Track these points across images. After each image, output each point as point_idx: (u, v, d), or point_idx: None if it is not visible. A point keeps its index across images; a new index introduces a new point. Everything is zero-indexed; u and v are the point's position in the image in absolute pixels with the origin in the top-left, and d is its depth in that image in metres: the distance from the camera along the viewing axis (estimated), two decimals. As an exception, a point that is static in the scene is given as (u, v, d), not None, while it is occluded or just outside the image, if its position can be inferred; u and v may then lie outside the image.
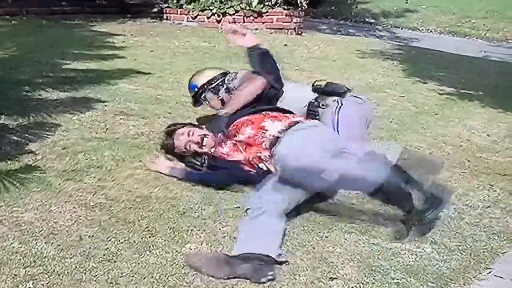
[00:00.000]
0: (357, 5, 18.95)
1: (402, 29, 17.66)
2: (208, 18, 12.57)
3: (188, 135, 4.95)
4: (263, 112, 4.86)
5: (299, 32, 13.09)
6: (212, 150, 4.86)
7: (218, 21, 12.47)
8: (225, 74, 5.51)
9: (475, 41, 16.56)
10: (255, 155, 4.65)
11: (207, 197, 4.56)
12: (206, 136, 4.91)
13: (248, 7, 12.55)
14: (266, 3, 12.76)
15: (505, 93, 9.19)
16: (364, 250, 4.00)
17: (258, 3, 12.76)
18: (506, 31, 16.99)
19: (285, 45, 11.09)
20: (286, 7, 12.96)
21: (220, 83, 5.42)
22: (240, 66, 8.93)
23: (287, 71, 8.88)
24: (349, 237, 4.16)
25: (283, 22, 12.84)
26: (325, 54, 10.72)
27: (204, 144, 4.89)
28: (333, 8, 18.61)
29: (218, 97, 5.41)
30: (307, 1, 13.02)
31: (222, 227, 4.11)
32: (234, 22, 12.30)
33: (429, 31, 17.52)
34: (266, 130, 4.65)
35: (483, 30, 17.14)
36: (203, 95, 5.49)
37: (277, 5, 12.81)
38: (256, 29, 12.36)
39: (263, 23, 12.64)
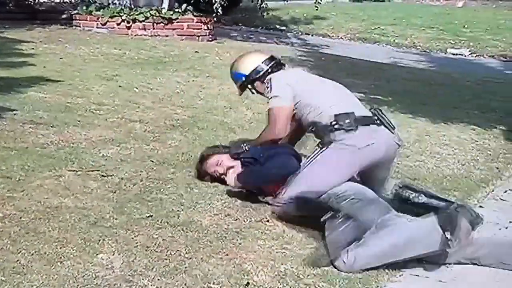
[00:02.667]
0: (268, 12, 19.09)
1: (312, 36, 17.90)
2: (118, 24, 12.49)
3: (216, 164, 5.11)
4: None
5: (210, 39, 13.14)
6: None
7: (128, 28, 12.41)
8: (271, 59, 5.28)
9: (384, 47, 16.93)
10: None
11: (119, 206, 4.54)
12: (231, 167, 5.03)
13: (158, 14, 12.52)
14: (177, 10, 12.76)
15: (413, 98, 9.43)
16: (277, 256, 4.06)
17: (168, 10, 12.76)
18: (414, 37, 17.45)
19: (196, 52, 11.11)
20: (197, 14, 12.99)
21: (268, 71, 5.18)
22: (151, 73, 8.97)
23: (198, 78, 8.95)
24: (262, 244, 4.21)
25: (194, 29, 12.87)
26: (236, 61, 10.77)
27: (227, 174, 5.05)
28: (244, 15, 18.72)
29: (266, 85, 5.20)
30: (221, 7, 13.03)
31: (134, 237, 4.10)
32: (144, 29, 12.29)
33: (339, 37, 17.82)
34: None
35: (392, 37, 17.54)
36: (251, 84, 5.29)
37: (188, 12, 12.81)
38: (167, 36, 12.36)
39: (174, 30, 12.64)
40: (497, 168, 6.37)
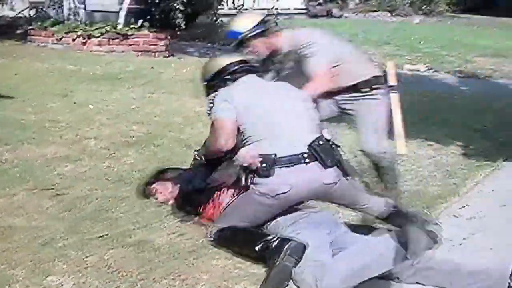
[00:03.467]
0: (224, 28, 19.09)
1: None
2: (73, 40, 12.39)
3: (155, 193, 5.10)
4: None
5: (167, 55, 13.08)
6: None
7: (84, 44, 12.31)
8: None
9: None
10: None
11: (73, 226, 4.47)
12: (170, 199, 5.02)
13: (114, 30, 12.43)
14: (132, 26, 12.69)
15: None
16: (231, 276, 4.01)
17: (124, 26, 12.69)
18: (370, 53, 17.57)
19: (152, 67, 11.05)
20: (153, 30, 12.93)
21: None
22: (107, 89, 8.89)
23: (154, 94, 8.89)
24: (216, 263, 4.16)
25: (150, 45, 12.81)
26: (193, 76, 10.64)
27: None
28: (201, 30, 18.65)
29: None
30: (183, 22, 13.00)
31: (86, 257, 4.03)
32: (100, 45, 12.20)
33: (296, 54, 17.89)
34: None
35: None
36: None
37: (144, 27, 12.75)
38: (123, 52, 12.28)
39: (130, 45, 12.57)
40: (454, 184, 6.40)
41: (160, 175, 5.24)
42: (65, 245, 4.16)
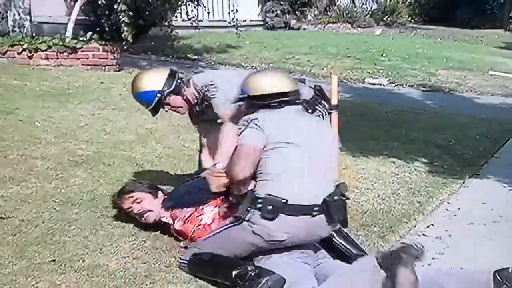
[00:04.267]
0: (178, 40, 19.06)
1: (225, 65, 17.92)
2: (19, 54, 12.24)
3: (134, 201, 5.04)
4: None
5: (117, 69, 13.03)
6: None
7: (30, 57, 12.19)
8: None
9: (300, 77, 17.06)
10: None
11: (19, 251, 4.43)
12: (149, 211, 5.01)
13: (61, 43, 12.35)
14: (81, 38, 12.62)
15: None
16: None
17: (72, 38, 12.61)
18: (330, 67, 17.70)
19: (102, 82, 10.99)
20: (102, 43, 12.87)
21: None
22: (54, 105, 8.82)
23: (103, 110, 8.84)
24: (173, 288, 4.16)
25: (100, 58, 12.73)
26: (145, 92, 10.69)
27: (143, 217, 5.02)
28: (153, 43, 18.62)
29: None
30: (130, 35, 12.95)
31: (36, 283, 4.01)
32: (47, 59, 12.11)
33: (253, 67, 17.88)
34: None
35: (308, 66, 17.72)
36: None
37: (93, 40, 12.69)
38: (71, 66, 12.20)
39: (78, 59, 12.47)
40: (419, 202, 6.47)
41: (137, 186, 5.22)
42: (13, 271, 4.12)
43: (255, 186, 4.30)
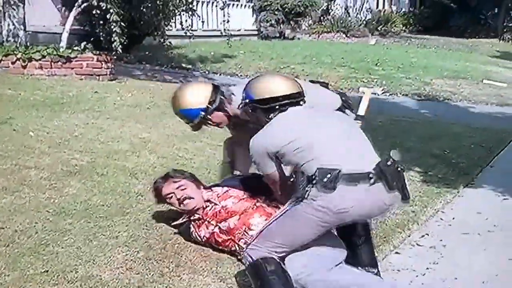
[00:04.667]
0: (173, 50, 19.08)
1: (220, 75, 17.95)
2: (13, 63, 12.22)
3: (178, 187, 5.09)
4: (257, 199, 4.98)
5: (111, 79, 13.01)
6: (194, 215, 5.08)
7: (24, 67, 12.16)
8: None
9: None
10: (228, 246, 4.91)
11: (12, 262, 4.41)
12: (191, 198, 5.05)
13: (55, 52, 12.34)
14: (75, 48, 12.61)
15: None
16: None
17: (66, 48, 12.60)
18: (324, 76, 17.72)
19: (96, 92, 10.97)
20: (97, 52, 12.86)
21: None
22: (48, 115, 8.80)
23: (97, 120, 8.82)
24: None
25: (94, 68, 12.71)
26: (138, 101, 10.70)
27: (184, 203, 5.06)
28: (148, 53, 18.64)
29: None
30: (121, 45, 12.93)
31: (28, 295, 3.98)
32: (41, 68, 12.09)
33: (247, 76, 17.86)
34: (251, 230, 4.79)
35: (303, 75, 17.75)
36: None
37: (87, 50, 12.68)
38: (65, 76, 12.18)
39: (72, 69, 12.45)
40: (413, 211, 6.46)
41: (182, 174, 5.31)
42: (6, 282, 4.10)
43: (302, 173, 4.25)
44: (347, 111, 5.11)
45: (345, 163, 4.18)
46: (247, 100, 4.65)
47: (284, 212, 4.33)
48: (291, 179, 4.39)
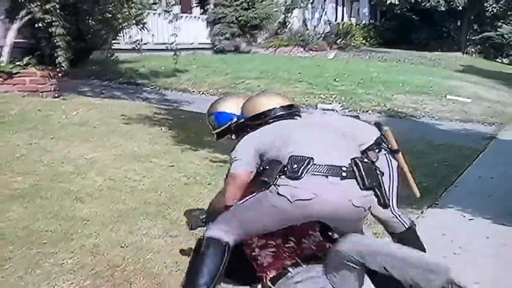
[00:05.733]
0: (122, 64, 19.01)
1: (171, 90, 17.90)
2: (-49, 79, 12.07)
3: None
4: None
5: (56, 95, 12.89)
6: None
7: (-37, 83, 12.01)
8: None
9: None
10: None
11: None
12: None
13: (-4, 67, 12.20)
14: (18, 63, 12.48)
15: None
16: None
17: (8, 63, 12.46)
18: (281, 92, 17.77)
19: (39, 110, 10.85)
20: (40, 67, 12.73)
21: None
22: (18, 136, 8.68)
23: (41, 140, 8.72)
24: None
25: (38, 84, 12.58)
26: (85, 119, 10.61)
27: None
28: (95, 67, 18.53)
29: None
30: (66, 61, 12.81)
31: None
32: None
33: (201, 93, 17.89)
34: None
35: (258, 91, 17.81)
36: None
37: (30, 65, 12.54)
38: (6, 92, 12.04)
39: (14, 85, 12.31)
40: (375, 233, 6.44)
41: None
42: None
43: (278, 161, 4.27)
44: (384, 144, 5.35)
45: (319, 154, 4.20)
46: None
47: (250, 198, 4.38)
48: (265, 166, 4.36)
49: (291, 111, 4.81)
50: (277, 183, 4.16)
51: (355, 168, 4.19)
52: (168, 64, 19.57)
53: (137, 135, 9.82)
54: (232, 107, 5.06)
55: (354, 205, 4.18)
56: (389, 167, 5.32)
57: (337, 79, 19.38)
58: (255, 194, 4.36)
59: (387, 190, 4.87)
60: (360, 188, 4.17)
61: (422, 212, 7.42)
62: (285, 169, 4.16)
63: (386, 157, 5.32)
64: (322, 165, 4.15)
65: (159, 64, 20.19)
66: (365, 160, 4.34)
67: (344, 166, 4.17)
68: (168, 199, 6.83)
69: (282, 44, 29.21)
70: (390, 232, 5.43)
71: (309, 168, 4.13)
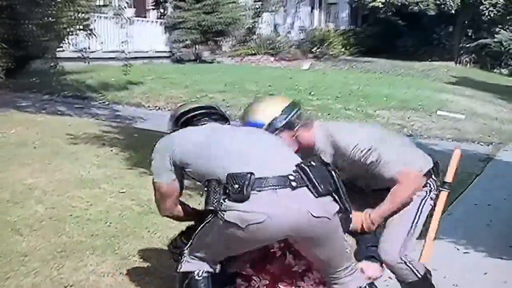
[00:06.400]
0: (67, 75, 18.92)
1: (124, 105, 17.81)
2: None
3: None
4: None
5: (-9, 111, 12.82)
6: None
7: None
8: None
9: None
10: None
11: None
12: None
13: None
14: None
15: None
16: None
17: None
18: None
19: (-29, 128, 10.79)
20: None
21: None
22: None
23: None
24: None
25: (-30, 98, 12.51)
26: (24, 139, 10.53)
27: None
28: (36, 79, 18.43)
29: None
30: (4, 71, 12.75)
31: None
32: None
33: (157, 108, 17.84)
34: None
35: (223, 107, 17.77)
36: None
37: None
38: None
39: None
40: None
41: None
42: None
43: (218, 182, 4.21)
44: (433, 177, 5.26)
45: (259, 165, 4.17)
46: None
47: (205, 224, 4.37)
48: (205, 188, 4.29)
49: (213, 112, 4.82)
50: (222, 208, 4.10)
51: (302, 174, 4.15)
52: (119, 75, 19.47)
53: (84, 157, 9.76)
54: (262, 115, 5.03)
55: (314, 216, 4.11)
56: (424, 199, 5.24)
57: (312, 93, 19.41)
58: (202, 227, 4.40)
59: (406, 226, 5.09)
60: (315, 195, 4.13)
61: (411, 245, 7.41)
62: (227, 191, 4.10)
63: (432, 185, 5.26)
64: (266, 178, 4.10)
65: (109, 75, 20.11)
66: (312, 163, 4.25)
67: (290, 174, 4.14)
68: (118, 230, 6.78)
69: (250, 53, 29.27)
70: (399, 280, 5.31)
71: (253, 185, 4.06)
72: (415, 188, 5.07)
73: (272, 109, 5.04)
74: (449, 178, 5.33)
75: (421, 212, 5.13)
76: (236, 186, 4.06)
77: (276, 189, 4.07)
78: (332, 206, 4.22)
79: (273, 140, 4.62)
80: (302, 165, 4.19)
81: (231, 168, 4.16)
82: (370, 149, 4.99)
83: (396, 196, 5.01)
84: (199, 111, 4.75)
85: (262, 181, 4.08)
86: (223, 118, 4.84)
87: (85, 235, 6.52)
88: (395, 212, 5.02)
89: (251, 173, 4.08)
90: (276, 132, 4.93)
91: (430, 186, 5.18)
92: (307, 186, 4.12)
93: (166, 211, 4.76)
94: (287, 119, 4.98)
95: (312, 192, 4.12)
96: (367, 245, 5.02)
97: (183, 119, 4.76)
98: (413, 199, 5.10)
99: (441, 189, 5.24)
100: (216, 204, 4.12)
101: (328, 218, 4.17)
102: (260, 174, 4.09)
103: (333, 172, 4.31)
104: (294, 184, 4.10)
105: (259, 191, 4.05)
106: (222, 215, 4.09)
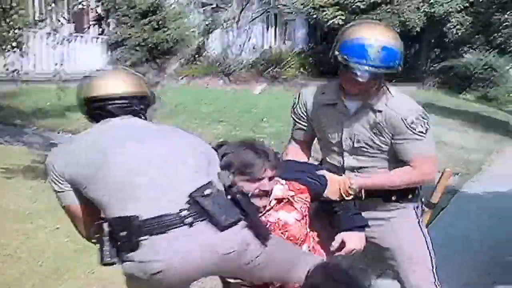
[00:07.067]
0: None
1: (59, 132, 17.71)
2: None
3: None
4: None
5: None
6: None
7: None
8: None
9: None
10: None
11: None
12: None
13: None
14: None
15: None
16: None
17: None
18: (199, 133, 17.84)
19: None
20: None
21: None
22: None
23: None
24: None
25: None
26: None
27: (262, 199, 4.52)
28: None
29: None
30: None
31: None
32: None
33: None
34: None
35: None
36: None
37: None
38: None
39: None
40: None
41: None
42: None
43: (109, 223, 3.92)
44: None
45: (144, 204, 3.84)
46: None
47: None
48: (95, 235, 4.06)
49: (124, 105, 4.44)
50: (123, 259, 3.88)
51: (198, 207, 3.83)
52: (55, 99, 19.45)
53: (15, 190, 9.76)
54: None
55: (223, 254, 3.85)
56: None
57: (265, 119, 19.43)
58: None
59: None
60: (219, 229, 3.82)
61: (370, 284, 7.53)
62: (117, 238, 3.85)
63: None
64: (153, 218, 3.79)
65: (44, 99, 19.94)
66: (207, 191, 3.89)
67: (182, 209, 3.82)
68: (52, 270, 6.81)
69: (198, 75, 29.17)
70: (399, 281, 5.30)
71: (139, 231, 3.79)
72: (420, 181, 5.13)
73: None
74: (435, 198, 5.49)
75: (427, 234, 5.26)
76: (122, 234, 3.82)
77: (168, 230, 3.78)
78: (245, 234, 3.93)
79: (174, 151, 4.14)
80: (196, 198, 3.83)
81: (114, 206, 3.88)
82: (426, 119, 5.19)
83: (400, 176, 5.03)
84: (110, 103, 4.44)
85: (152, 222, 3.78)
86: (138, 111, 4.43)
87: (14, 276, 6.58)
88: (378, 189, 4.97)
89: (135, 217, 3.78)
90: None
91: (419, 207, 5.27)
92: (207, 218, 3.82)
93: (85, 233, 4.22)
94: None
95: (214, 226, 3.82)
96: (350, 214, 4.82)
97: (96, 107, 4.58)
98: (410, 224, 5.16)
99: (425, 208, 5.35)
100: (117, 254, 3.90)
101: (241, 252, 3.90)
102: (148, 214, 3.80)
103: (238, 196, 4.01)
104: (189, 220, 3.80)
105: (151, 235, 3.78)
106: (125, 267, 3.88)
